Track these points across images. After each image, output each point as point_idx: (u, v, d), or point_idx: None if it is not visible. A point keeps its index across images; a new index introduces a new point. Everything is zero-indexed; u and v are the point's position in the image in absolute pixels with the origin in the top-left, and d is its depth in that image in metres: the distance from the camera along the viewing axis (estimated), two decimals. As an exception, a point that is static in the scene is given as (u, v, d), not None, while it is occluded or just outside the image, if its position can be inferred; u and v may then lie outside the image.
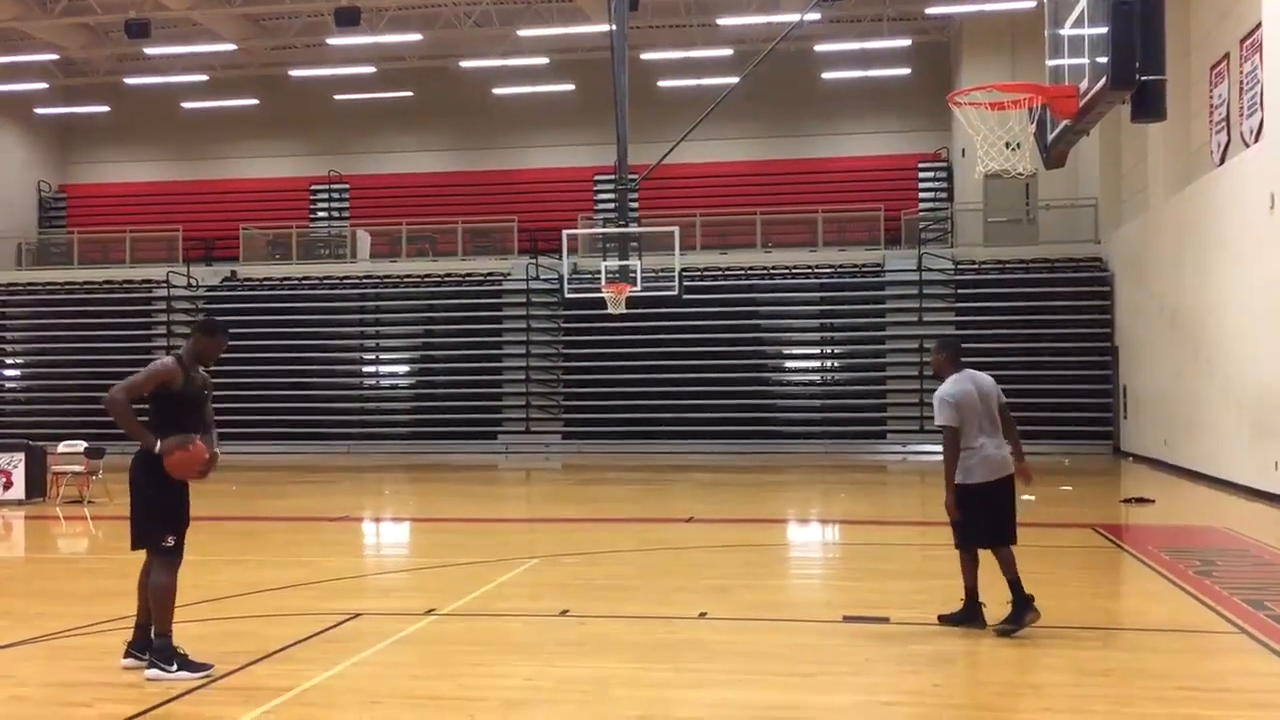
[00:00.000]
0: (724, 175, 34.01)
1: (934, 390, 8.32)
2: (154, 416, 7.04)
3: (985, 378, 8.32)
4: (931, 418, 8.55)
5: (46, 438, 19.80)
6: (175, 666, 6.77)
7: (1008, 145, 8.52)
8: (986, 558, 8.09)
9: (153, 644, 6.87)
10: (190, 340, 7.27)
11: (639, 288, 24.07)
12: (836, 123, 34.10)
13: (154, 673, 6.78)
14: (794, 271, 30.07)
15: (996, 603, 8.08)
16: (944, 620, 8.19)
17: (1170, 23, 8.26)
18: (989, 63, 28.37)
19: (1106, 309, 27.50)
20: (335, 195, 36.44)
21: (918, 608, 8.74)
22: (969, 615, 8.13)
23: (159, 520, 6.96)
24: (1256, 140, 17.40)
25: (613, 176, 26.98)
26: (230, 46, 31.92)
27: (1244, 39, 18.23)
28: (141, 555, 7.13)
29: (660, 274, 24.77)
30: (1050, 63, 8.47)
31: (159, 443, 6.89)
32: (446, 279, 31.65)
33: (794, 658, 7.40)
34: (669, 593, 9.78)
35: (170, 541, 6.94)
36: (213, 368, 7.31)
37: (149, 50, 31.32)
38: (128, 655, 7.04)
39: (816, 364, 29.91)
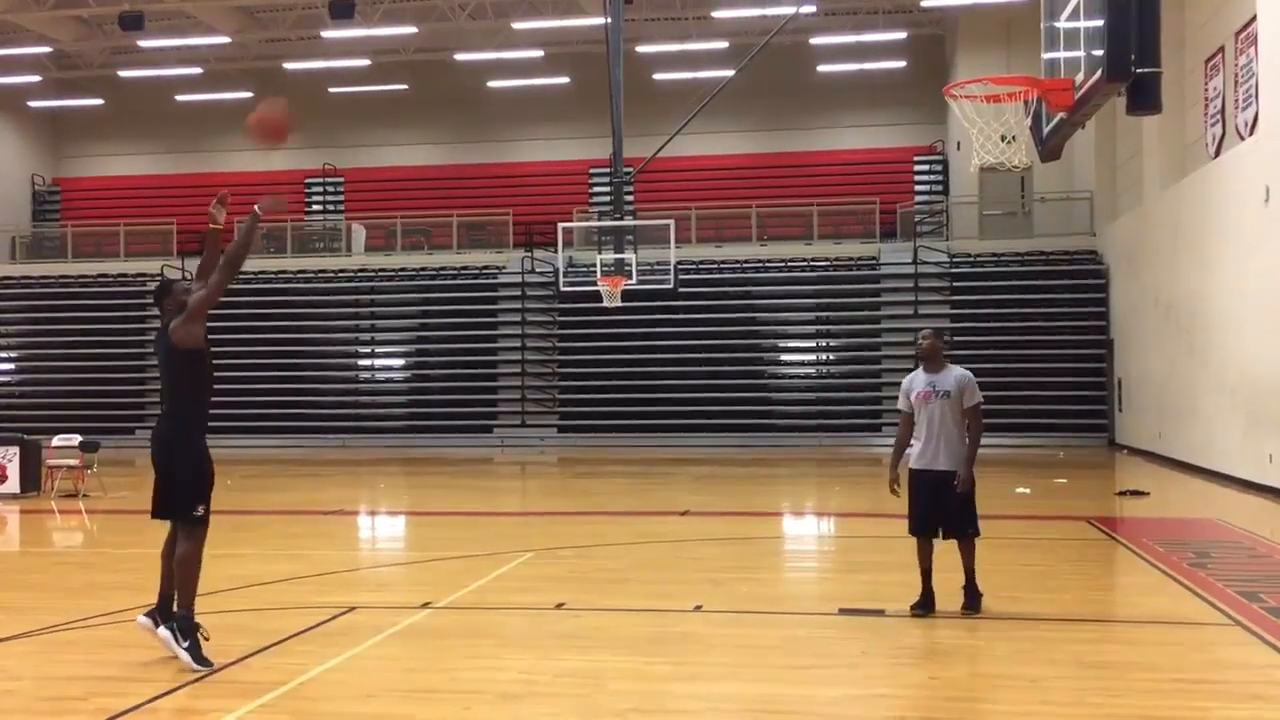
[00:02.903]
0: (719, 168, 33.97)
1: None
2: (190, 378, 7.01)
3: None
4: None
5: (41, 432, 19.76)
6: (188, 644, 6.76)
7: (1003, 138, 8.53)
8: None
9: (175, 615, 6.88)
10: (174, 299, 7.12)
11: (634, 281, 24.11)
12: (832, 116, 34.08)
13: (166, 634, 6.83)
14: (789, 265, 30.05)
15: (984, 593, 8.06)
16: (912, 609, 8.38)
17: (1165, 15, 8.26)
18: (984, 56, 28.30)
19: (1101, 302, 27.53)
20: (330, 188, 36.38)
21: (913, 600, 8.72)
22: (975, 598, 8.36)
23: (190, 489, 6.95)
24: (1251, 133, 17.40)
25: (608, 170, 26.99)
26: (224, 39, 31.82)
27: (1239, 32, 18.24)
28: (159, 525, 7.20)
29: (655, 267, 24.78)
30: (1046, 55, 8.46)
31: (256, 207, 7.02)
32: (441, 272, 31.63)
33: (790, 650, 7.41)
34: (664, 586, 9.78)
35: (200, 511, 6.94)
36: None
37: (143, 43, 31.24)
38: (147, 615, 7.08)
39: (812, 357, 29.93)
